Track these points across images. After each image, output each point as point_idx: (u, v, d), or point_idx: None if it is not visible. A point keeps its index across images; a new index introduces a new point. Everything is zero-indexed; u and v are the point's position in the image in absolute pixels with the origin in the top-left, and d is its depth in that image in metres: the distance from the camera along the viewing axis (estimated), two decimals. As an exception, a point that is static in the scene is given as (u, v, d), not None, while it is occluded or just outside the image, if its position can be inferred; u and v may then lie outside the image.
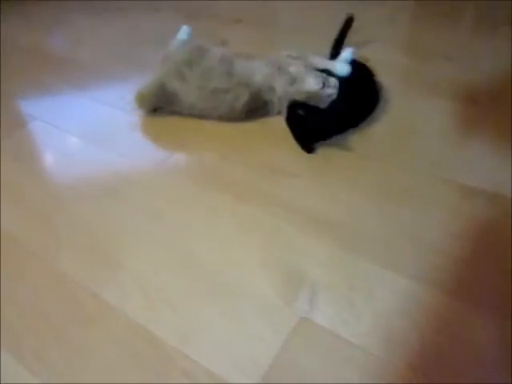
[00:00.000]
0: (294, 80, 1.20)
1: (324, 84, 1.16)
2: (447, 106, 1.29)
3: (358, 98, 1.21)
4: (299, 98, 1.17)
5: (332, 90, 1.16)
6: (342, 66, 1.23)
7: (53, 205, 1.05)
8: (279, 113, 1.25)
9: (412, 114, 1.27)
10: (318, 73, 1.19)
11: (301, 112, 1.13)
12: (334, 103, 1.16)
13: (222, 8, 1.95)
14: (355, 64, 1.26)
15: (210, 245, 0.93)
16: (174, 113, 1.29)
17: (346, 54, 1.27)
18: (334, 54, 1.33)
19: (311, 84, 1.17)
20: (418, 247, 0.90)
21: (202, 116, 1.27)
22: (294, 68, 1.21)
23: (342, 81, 1.19)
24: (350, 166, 1.11)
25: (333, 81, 1.17)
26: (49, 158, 1.21)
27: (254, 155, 1.16)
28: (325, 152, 1.16)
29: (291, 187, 1.05)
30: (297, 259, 0.89)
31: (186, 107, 1.26)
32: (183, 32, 1.39)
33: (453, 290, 0.83)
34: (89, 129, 1.29)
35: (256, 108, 1.25)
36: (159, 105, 1.30)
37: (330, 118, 1.15)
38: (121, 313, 0.81)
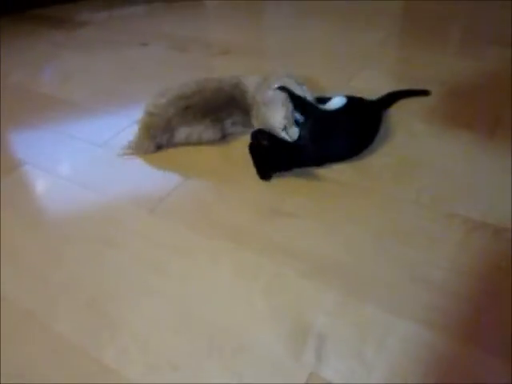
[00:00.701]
0: (266, 103, 1.18)
1: (285, 127, 1.14)
2: (446, 134, 1.28)
3: (335, 136, 1.17)
4: (262, 123, 1.17)
5: (289, 137, 1.15)
6: (338, 100, 1.22)
7: (48, 259, 1.01)
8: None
9: (411, 144, 1.26)
10: (289, 110, 1.15)
11: (264, 142, 1.12)
12: (301, 138, 1.15)
13: (209, 41, 1.94)
14: (351, 101, 1.25)
15: (211, 297, 0.89)
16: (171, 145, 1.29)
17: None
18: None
19: (275, 119, 1.15)
20: (426, 289, 0.88)
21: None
22: (272, 92, 1.19)
23: (327, 116, 1.19)
24: (350, 203, 1.08)
25: (294, 131, 1.15)
26: (41, 206, 1.17)
27: (251, 193, 1.13)
28: (324, 187, 1.13)
29: (291, 229, 1.03)
30: (302, 308, 0.86)
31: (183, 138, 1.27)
32: None
33: (465, 333, 0.80)
34: (81, 172, 1.26)
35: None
36: (162, 142, 1.29)
37: (292, 152, 1.14)
38: (121, 375, 0.78)
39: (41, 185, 1.25)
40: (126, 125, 1.42)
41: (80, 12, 2.37)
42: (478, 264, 0.92)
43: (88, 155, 1.32)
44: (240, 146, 1.26)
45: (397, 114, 1.38)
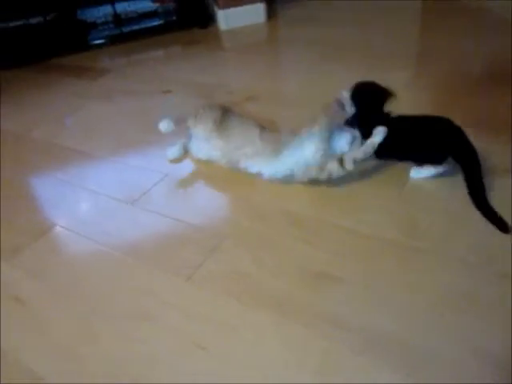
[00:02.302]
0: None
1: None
2: (492, 184, 1.23)
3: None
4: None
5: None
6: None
7: (77, 333, 0.97)
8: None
9: (454, 196, 1.20)
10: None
11: None
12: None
13: (231, 87, 1.93)
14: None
15: (258, 377, 0.84)
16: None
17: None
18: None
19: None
20: (485, 363, 0.81)
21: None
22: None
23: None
24: (399, 265, 1.03)
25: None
26: (71, 272, 1.13)
27: (290, 256, 1.08)
28: (370, 246, 1.08)
29: (338, 296, 0.97)
30: (359, 391, 0.80)
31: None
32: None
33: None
34: (111, 233, 1.22)
35: None
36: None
37: None
38: None
39: (72, 250, 1.21)
40: (155, 180, 1.39)
41: (99, 59, 2.38)
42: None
43: (118, 215, 1.29)
44: (264, 198, 1.22)
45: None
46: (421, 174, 1.28)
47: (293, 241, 1.12)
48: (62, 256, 1.19)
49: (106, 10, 2.57)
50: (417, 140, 1.24)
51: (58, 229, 1.27)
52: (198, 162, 1.47)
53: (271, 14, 2.56)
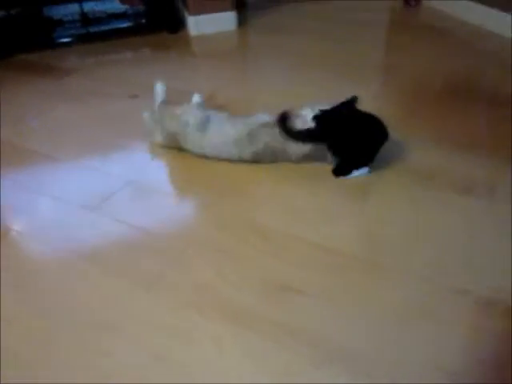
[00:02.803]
0: None
1: None
2: (446, 200, 1.27)
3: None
4: None
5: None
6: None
7: (34, 342, 0.94)
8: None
9: (413, 212, 1.24)
10: None
11: None
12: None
13: (202, 94, 1.92)
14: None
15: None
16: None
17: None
18: None
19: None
20: (443, 378, 0.84)
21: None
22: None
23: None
24: (359, 279, 1.05)
25: None
26: (27, 280, 1.10)
27: (253, 268, 1.08)
28: (331, 260, 1.10)
29: (299, 309, 0.98)
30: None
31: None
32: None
33: None
34: (66, 239, 1.20)
35: None
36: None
37: None
38: None
39: (28, 256, 1.17)
40: (118, 186, 1.37)
41: (66, 58, 2.32)
42: (493, 347, 0.89)
43: (78, 221, 1.26)
44: (231, 208, 1.22)
45: (396, 178, 1.36)
46: (353, 173, 1.37)
47: (257, 252, 1.12)
48: (17, 262, 1.15)
49: (74, 8, 2.52)
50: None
51: (13, 234, 1.23)
52: (163, 168, 1.46)
53: (242, 21, 2.57)
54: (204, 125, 1.40)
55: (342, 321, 0.95)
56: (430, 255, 1.10)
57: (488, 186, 1.31)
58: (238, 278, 1.06)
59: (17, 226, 1.26)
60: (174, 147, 1.48)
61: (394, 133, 1.56)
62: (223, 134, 1.39)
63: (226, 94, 1.86)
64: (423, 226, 1.19)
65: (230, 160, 1.41)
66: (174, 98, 1.66)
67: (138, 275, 1.08)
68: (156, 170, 1.46)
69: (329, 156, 1.37)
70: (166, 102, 1.58)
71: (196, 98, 1.62)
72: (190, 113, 1.45)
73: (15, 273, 1.11)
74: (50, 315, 1.00)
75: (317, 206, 1.27)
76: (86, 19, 2.51)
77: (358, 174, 1.38)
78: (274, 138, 1.35)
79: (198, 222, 1.26)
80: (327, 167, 1.41)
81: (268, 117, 1.39)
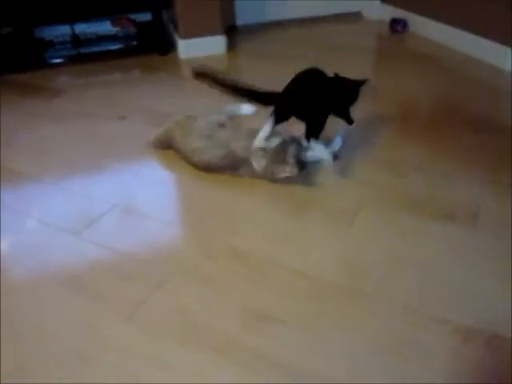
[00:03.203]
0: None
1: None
2: (430, 227, 1.28)
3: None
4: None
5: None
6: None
7: (9, 370, 0.92)
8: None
9: (398, 239, 1.24)
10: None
11: None
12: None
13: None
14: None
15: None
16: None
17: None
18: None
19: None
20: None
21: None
22: None
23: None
24: (340, 307, 1.05)
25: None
26: (5, 304, 1.08)
27: (235, 296, 1.08)
28: (312, 288, 1.09)
29: (279, 338, 0.97)
30: None
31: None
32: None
33: None
34: (47, 263, 1.18)
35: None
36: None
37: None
38: None
39: (6, 280, 1.16)
40: (103, 210, 1.37)
41: (55, 79, 2.33)
42: (477, 378, 0.89)
43: (61, 245, 1.25)
44: (213, 232, 1.22)
45: (380, 204, 1.37)
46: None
47: (238, 279, 1.12)
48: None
49: (65, 29, 2.54)
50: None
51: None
52: (149, 191, 1.46)
53: (231, 45, 2.60)
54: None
55: (322, 350, 0.95)
56: (412, 283, 1.10)
57: (471, 213, 1.33)
58: (218, 305, 1.06)
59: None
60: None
61: (378, 157, 1.59)
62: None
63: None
64: (406, 253, 1.19)
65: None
66: (160, 121, 1.68)
67: (119, 302, 1.07)
68: (142, 194, 1.46)
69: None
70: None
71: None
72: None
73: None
74: (22, 340, 0.99)
75: (299, 232, 1.28)
76: (76, 40, 2.54)
77: (324, 154, 1.44)
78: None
79: (180, 247, 1.25)
80: (310, 191, 1.42)
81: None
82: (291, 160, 1.38)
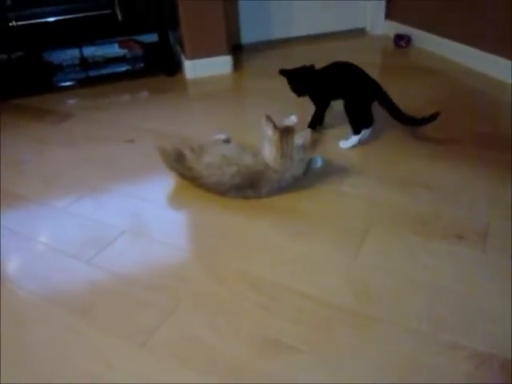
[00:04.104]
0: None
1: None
2: (440, 248, 1.28)
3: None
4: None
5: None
6: None
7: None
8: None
9: (407, 261, 1.24)
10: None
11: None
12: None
13: (197, 139, 1.95)
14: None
15: None
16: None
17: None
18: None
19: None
20: None
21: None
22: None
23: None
24: (351, 333, 1.04)
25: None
26: (14, 332, 1.09)
27: (247, 322, 1.08)
28: (323, 314, 1.09)
29: (292, 365, 0.97)
30: None
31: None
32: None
33: None
34: (57, 290, 1.19)
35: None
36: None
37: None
38: None
39: (16, 306, 1.16)
40: (113, 236, 1.38)
41: (63, 103, 2.37)
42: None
43: (70, 272, 1.26)
44: (224, 258, 1.23)
45: (389, 225, 1.37)
46: (348, 143, 1.75)
47: (250, 305, 1.12)
48: (4, 313, 1.14)
49: (74, 53, 2.59)
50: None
51: (10, 286, 1.23)
52: (159, 216, 1.47)
53: (237, 65, 2.63)
54: None
55: (334, 376, 0.95)
56: (423, 307, 1.10)
57: (480, 232, 1.32)
58: (231, 332, 1.06)
59: (5, 274, 1.25)
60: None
61: (384, 174, 1.59)
62: None
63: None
64: (416, 275, 1.19)
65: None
66: (169, 140, 1.70)
67: (132, 329, 1.08)
68: (151, 218, 1.47)
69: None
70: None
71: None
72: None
73: (2, 324, 1.11)
74: (31, 368, 0.99)
75: (309, 254, 1.28)
76: (85, 63, 2.58)
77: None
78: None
79: (193, 272, 1.26)
80: (318, 212, 1.42)
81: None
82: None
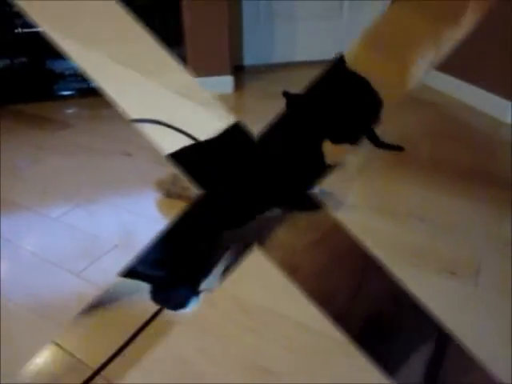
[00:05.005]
0: None
1: None
2: (433, 280, 1.28)
3: None
4: None
5: None
6: None
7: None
8: None
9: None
10: None
11: None
12: None
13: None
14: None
15: None
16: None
17: None
18: None
19: None
20: None
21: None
22: None
23: None
24: (340, 362, 1.04)
25: None
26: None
27: (237, 348, 1.07)
28: (310, 341, 1.08)
29: (280, 395, 0.96)
30: None
31: None
32: None
33: None
34: (45, 302, 1.17)
35: None
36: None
37: None
38: None
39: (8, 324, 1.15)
40: (104, 250, 1.37)
41: (63, 111, 2.37)
42: None
43: (61, 284, 1.24)
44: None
45: (382, 256, 1.37)
46: None
47: (241, 330, 1.11)
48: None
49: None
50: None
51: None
52: (151, 230, 1.46)
53: (238, 85, 2.66)
54: None
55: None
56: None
57: (472, 268, 1.33)
58: (220, 356, 1.05)
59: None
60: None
61: (378, 204, 1.60)
62: None
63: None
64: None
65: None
66: (164, 160, 1.69)
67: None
68: (143, 235, 1.45)
69: None
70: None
71: None
72: None
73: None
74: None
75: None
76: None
77: None
78: None
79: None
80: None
81: None
82: None
